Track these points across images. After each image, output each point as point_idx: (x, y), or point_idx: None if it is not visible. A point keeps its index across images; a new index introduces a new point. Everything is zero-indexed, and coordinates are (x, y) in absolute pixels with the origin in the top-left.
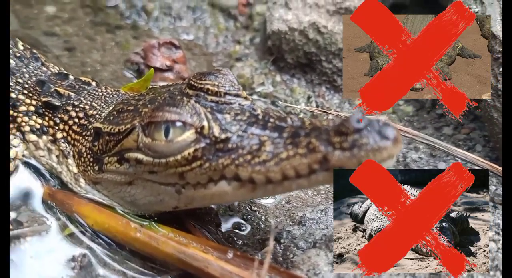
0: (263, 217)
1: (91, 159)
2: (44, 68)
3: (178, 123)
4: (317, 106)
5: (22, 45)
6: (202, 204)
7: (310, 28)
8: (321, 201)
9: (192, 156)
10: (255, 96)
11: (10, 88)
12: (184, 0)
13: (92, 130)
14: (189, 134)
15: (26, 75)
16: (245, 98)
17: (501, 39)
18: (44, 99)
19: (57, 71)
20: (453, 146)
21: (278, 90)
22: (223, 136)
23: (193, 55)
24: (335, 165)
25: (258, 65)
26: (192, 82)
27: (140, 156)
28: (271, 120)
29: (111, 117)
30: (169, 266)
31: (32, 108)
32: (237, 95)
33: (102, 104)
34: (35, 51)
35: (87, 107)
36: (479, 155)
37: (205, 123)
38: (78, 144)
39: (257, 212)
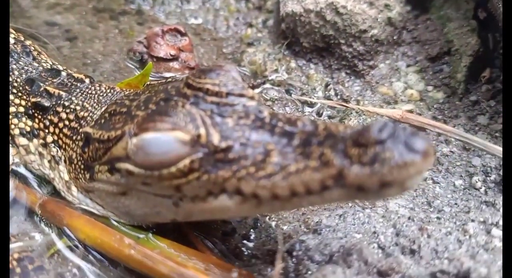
0: (274, 224)
1: (82, 166)
2: (36, 64)
3: (171, 133)
4: (336, 94)
5: (14, 38)
6: (202, 218)
7: (327, 9)
8: (338, 204)
9: (188, 168)
10: (268, 85)
11: None
12: None
13: (82, 135)
14: (183, 142)
15: (16, 73)
16: (251, 98)
17: None
18: (33, 99)
19: (49, 67)
20: (489, 138)
21: (293, 77)
22: (223, 145)
23: (201, 41)
24: (353, 182)
25: (272, 50)
26: (191, 81)
27: (130, 166)
28: (279, 124)
29: (102, 121)
30: None
31: (21, 109)
32: (241, 95)
33: (95, 104)
34: (27, 44)
35: (78, 108)
36: None
37: (201, 130)
38: (69, 149)
39: (268, 217)
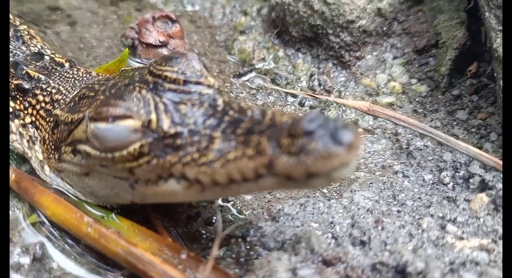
0: (236, 210)
1: (53, 147)
2: (24, 48)
3: (122, 123)
4: (319, 84)
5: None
6: (155, 200)
7: None
8: (306, 193)
9: (138, 152)
10: (253, 73)
11: None
12: None
13: (53, 117)
14: (135, 129)
15: None
16: (209, 86)
17: None
18: (15, 82)
19: (36, 51)
20: (465, 133)
21: (280, 66)
22: (172, 130)
23: (196, 28)
24: (281, 171)
25: (262, 39)
26: (152, 68)
27: (88, 148)
28: (230, 113)
29: (71, 104)
30: (120, 264)
31: None
32: (198, 83)
33: (69, 88)
34: (20, 28)
35: (54, 91)
36: (492, 145)
37: (153, 116)
38: (43, 130)
39: (232, 203)
